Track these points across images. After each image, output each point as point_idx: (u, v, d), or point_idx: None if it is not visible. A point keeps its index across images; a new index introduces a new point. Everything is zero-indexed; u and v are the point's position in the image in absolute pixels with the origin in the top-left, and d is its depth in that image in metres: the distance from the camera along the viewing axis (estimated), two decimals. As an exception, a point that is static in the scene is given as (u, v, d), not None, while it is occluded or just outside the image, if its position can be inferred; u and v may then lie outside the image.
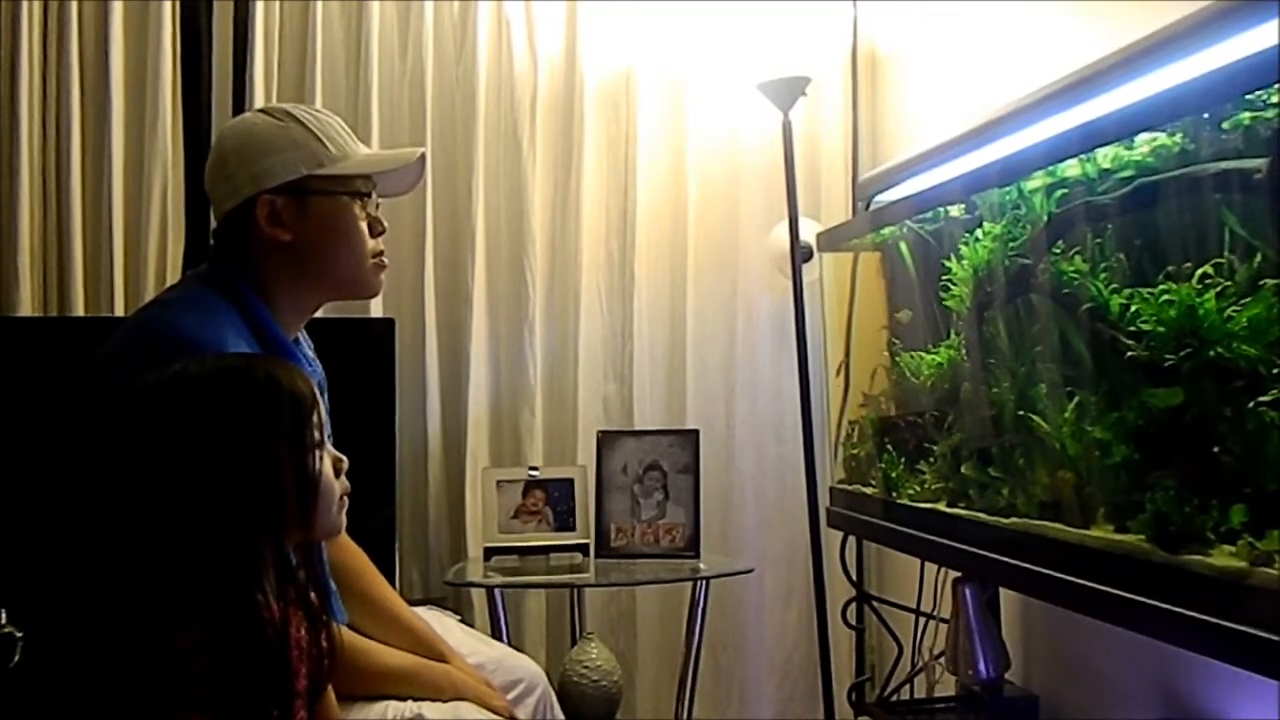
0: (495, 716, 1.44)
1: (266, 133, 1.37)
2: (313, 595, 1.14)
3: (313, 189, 1.37)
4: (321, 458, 1.12)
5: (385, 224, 1.47)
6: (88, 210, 2.35)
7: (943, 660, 1.94)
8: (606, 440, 2.44)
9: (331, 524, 1.16)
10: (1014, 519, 1.45)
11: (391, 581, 1.69)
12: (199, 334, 1.23)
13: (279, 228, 1.36)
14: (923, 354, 1.79)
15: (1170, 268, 1.20)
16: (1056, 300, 1.38)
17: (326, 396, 1.39)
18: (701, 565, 2.33)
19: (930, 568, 2.06)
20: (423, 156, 1.50)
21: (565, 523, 2.35)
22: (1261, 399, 1.06)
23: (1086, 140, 1.31)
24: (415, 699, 1.43)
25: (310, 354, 1.49)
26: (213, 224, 1.43)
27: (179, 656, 0.98)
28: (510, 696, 1.58)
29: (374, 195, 1.45)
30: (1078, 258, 1.34)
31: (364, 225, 1.42)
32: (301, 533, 1.11)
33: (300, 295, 1.42)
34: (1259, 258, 1.09)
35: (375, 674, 1.43)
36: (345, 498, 1.17)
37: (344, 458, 1.17)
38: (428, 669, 1.49)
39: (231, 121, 1.49)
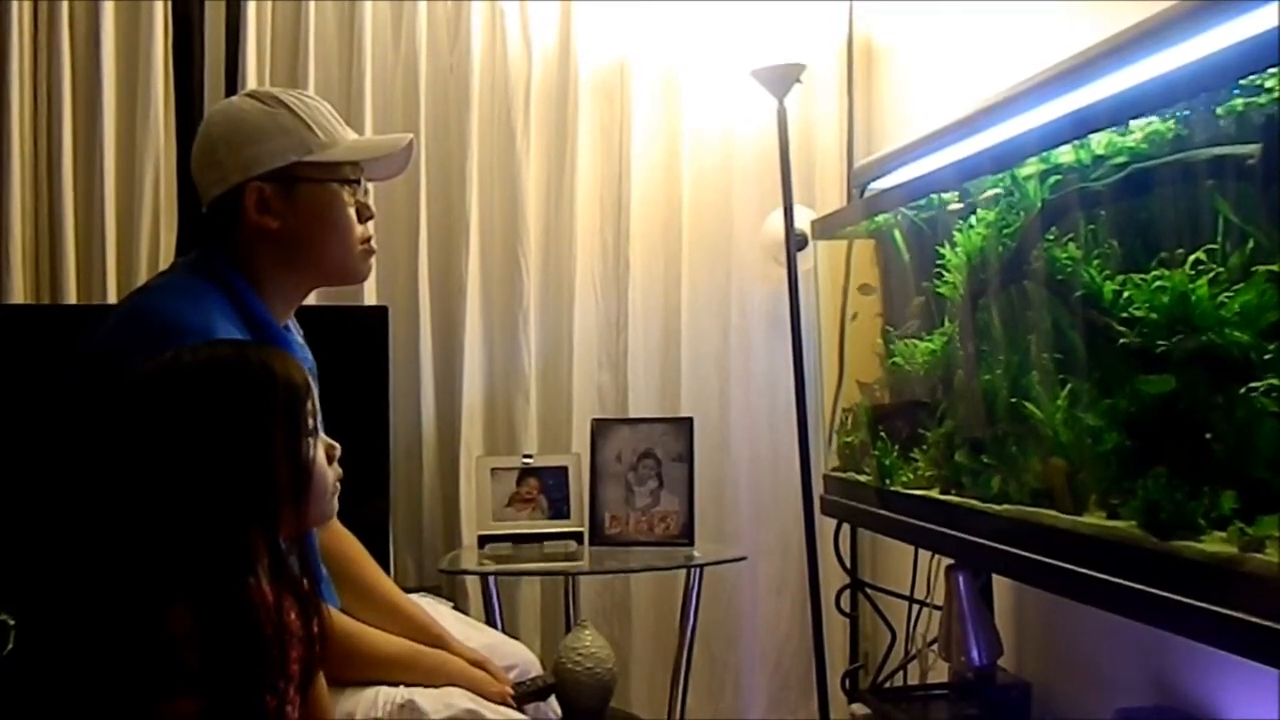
0: (487, 702, 1.44)
1: (255, 119, 1.36)
2: (304, 581, 1.14)
3: (301, 177, 1.36)
4: (315, 445, 1.12)
5: (373, 209, 1.46)
6: (80, 199, 2.34)
7: (936, 647, 1.94)
8: (601, 428, 2.44)
9: (323, 512, 1.16)
10: (1007, 506, 1.45)
11: (385, 570, 1.69)
12: (187, 319, 1.22)
13: (267, 215, 1.35)
14: (916, 341, 1.79)
15: (1163, 254, 1.19)
16: (1049, 287, 1.37)
17: (317, 384, 1.39)
18: (695, 553, 2.34)
19: (924, 555, 2.07)
20: (411, 142, 1.49)
21: (559, 511, 2.36)
22: (1253, 385, 1.06)
23: (1080, 126, 1.30)
24: (408, 684, 1.43)
25: (300, 341, 1.48)
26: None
27: (171, 643, 0.98)
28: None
29: (362, 181, 1.44)
30: (1071, 244, 1.33)
31: (352, 212, 1.41)
32: (294, 520, 1.11)
33: (288, 282, 1.41)
34: (1251, 244, 1.09)
35: (369, 659, 1.42)
36: (338, 484, 1.17)
37: (337, 445, 1.17)
38: (422, 655, 1.48)
39: (218, 105, 1.48)
